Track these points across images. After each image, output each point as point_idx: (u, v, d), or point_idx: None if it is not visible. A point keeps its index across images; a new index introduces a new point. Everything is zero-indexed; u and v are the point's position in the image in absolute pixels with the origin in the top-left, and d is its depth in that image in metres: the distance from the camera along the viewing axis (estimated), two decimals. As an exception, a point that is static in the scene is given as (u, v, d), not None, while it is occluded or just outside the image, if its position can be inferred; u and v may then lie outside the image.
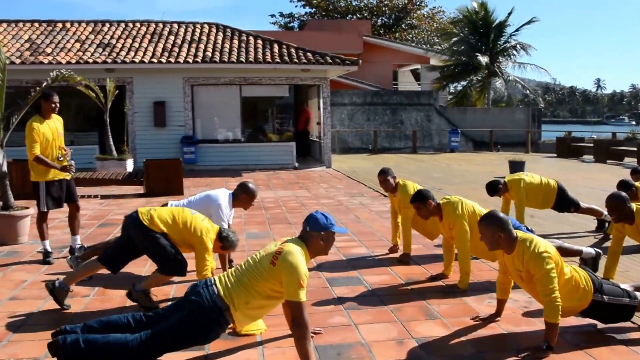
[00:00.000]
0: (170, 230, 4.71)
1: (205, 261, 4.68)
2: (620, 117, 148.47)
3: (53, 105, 6.33)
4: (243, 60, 15.96)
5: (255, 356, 3.88)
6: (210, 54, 16.22)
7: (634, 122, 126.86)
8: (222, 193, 5.83)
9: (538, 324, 4.46)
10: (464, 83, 32.52)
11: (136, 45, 16.73)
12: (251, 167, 16.38)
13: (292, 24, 44.46)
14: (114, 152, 14.17)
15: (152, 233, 4.67)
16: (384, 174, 6.53)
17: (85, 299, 5.03)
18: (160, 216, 4.74)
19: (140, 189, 11.79)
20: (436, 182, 13.67)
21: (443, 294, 5.23)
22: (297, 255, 3.59)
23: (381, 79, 31.32)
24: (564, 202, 7.65)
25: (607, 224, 7.70)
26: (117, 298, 5.02)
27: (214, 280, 3.67)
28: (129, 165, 14.23)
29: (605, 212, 7.57)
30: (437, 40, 38.94)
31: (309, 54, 16.67)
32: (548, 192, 7.59)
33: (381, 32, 40.46)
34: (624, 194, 5.31)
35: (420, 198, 5.40)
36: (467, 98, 32.24)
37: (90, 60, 15.50)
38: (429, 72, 32.81)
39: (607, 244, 6.90)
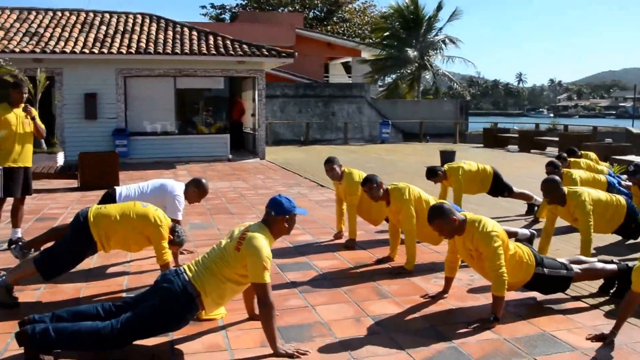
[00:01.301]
0: (121, 226, 4.67)
1: (163, 247, 4.71)
2: (540, 109, 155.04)
3: (21, 95, 6.33)
4: (178, 51, 15.75)
5: (220, 339, 3.98)
6: (144, 45, 15.90)
7: (552, 115, 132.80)
8: (177, 184, 5.87)
9: (482, 299, 4.77)
10: (394, 76, 33.17)
11: (66, 35, 16.17)
12: (185, 159, 16.23)
13: (223, 16, 43.98)
14: (44, 146, 13.72)
15: (83, 232, 4.63)
16: (330, 162, 6.72)
17: (36, 292, 4.95)
18: (109, 214, 4.69)
19: (73, 183, 11.51)
20: (370, 172, 13.97)
21: (391, 276, 5.47)
22: (260, 239, 3.71)
23: (313, 71, 31.55)
24: (498, 187, 8.07)
25: (536, 208, 8.17)
26: (70, 290, 4.98)
27: (184, 268, 3.75)
28: (60, 159, 13.82)
29: (535, 197, 8.08)
30: (369, 34, 39.50)
31: (244, 45, 16.63)
32: (485, 178, 7.99)
33: (313, 24, 40.68)
34: (558, 178, 5.70)
35: (372, 181, 5.62)
36: (397, 90, 32.92)
37: (17, 50, 14.89)
38: (360, 65, 33.31)
39: (537, 226, 7.39)
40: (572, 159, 8.93)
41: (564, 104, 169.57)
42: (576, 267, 4.64)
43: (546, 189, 5.57)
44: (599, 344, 3.83)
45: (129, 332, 3.54)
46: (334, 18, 42.83)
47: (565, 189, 5.61)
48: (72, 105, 15.63)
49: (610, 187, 7.33)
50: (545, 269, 4.48)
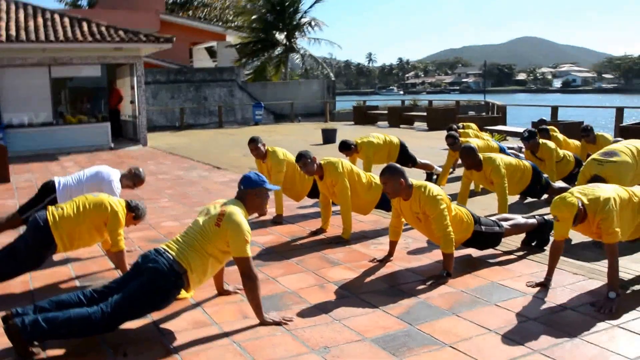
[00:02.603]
0: (82, 222, 4.56)
1: (119, 235, 4.65)
2: (390, 87, 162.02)
3: None
4: (53, 39, 14.72)
5: (201, 315, 4.02)
6: (14, 33, 14.65)
7: (402, 92, 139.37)
8: (112, 170, 5.83)
9: (424, 260, 5.18)
10: (262, 59, 33.18)
11: None
12: (66, 150, 15.33)
13: (80, 2, 41.25)
14: None
15: (44, 236, 4.48)
16: (254, 142, 6.82)
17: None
18: (68, 214, 4.55)
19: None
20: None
21: (332, 245, 5.72)
22: (239, 214, 3.80)
23: (178, 57, 30.71)
24: (404, 157, 8.57)
25: (435, 177, 8.79)
26: (18, 284, 4.73)
27: (164, 248, 3.73)
28: None
29: (435, 167, 8.70)
30: (231, 18, 39.02)
31: (121, 32, 15.88)
32: (392, 149, 8.45)
33: (174, 9, 39.44)
34: (474, 146, 6.24)
35: (306, 157, 5.81)
36: (264, 73, 33.00)
37: None
38: (225, 49, 32.92)
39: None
40: (461, 130, 9.69)
41: (412, 82, 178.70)
42: (505, 224, 5.17)
43: (465, 156, 6.09)
44: (537, 289, 4.35)
45: (120, 314, 3.51)
46: (195, 2, 41.80)
47: (481, 155, 6.16)
48: None
49: (501, 151, 8.12)
50: (482, 227, 4.96)
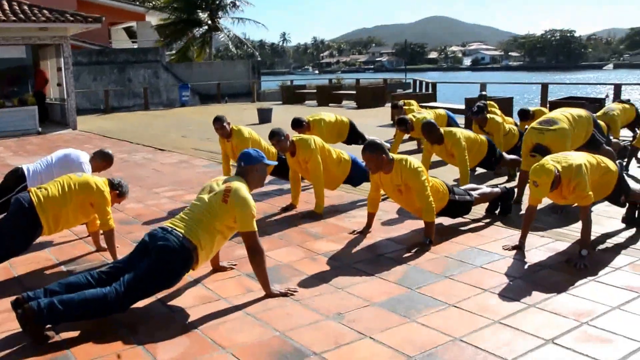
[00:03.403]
0: (68, 203, 4.48)
1: (108, 214, 4.61)
2: (306, 67, 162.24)
3: None
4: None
5: (204, 292, 4.07)
6: None
7: (317, 72, 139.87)
8: (80, 152, 5.71)
9: (400, 230, 5.42)
10: (185, 39, 32.53)
11: None
12: (-10, 135, 14.63)
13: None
14: None
15: (29, 218, 4.38)
16: (220, 121, 6.81)
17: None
18: (53, 194, 4.46)
19: None
20: (201, 134, 14.01)
21: (307, 220, 5.85)
22: (244, 190, 3.87)
23: (97, 37, 29.57)
24: (354, 135, 8.77)
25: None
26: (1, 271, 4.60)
27: (170, 226, 3.74)
28: None
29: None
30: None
31: (45, 11, 15.14)
32: (342, 128, 8.63)
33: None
34: (433, 121, 6.51)
35: (279, 134, 5.89)
36: (188, 54, 32.40)
37: None
38: (145, 29, 32.01)
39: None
40: (406, 108, 10.01)
41: (327, 61, 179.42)
42: (474, 193, 5.48)
43: (427, 131, 6.35)
44: (514, 252, 4.68)
45: (134, 293, 3.52)
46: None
47: (442, 129, 6.44)
48: None
49: (449, 119, 8.57)
50: (455, 196, 5.24)
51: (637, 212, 5.32)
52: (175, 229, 3.71)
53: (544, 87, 13.86)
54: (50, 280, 4.18)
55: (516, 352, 3.06)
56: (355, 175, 6.37)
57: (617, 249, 4.73)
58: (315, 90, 23.58)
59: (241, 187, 3.87)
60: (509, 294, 3.83)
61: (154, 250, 3.62)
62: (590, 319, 3.44)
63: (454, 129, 6.63)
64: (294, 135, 6.16)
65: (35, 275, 4.56)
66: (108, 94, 23.31)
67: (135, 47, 31.00)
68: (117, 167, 9.61)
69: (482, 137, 6.89)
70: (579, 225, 4.63)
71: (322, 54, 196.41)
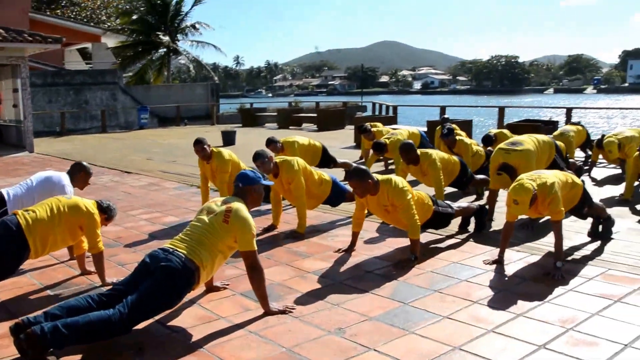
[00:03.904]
0: (57, 226, 4.47)
1: (97, 235, 4.60)
2: (259, 90, 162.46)
3: None
4: None
5: (201, 311, 4.11)
6: None
7: (270, 95, 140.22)
8: (61, 174, 5.62)
9: (383, 248, 5.59)
10: (144, 62, 32.30)
11: None
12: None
13: None
14: None
15: (17, 241, 4.34)
16: (201, 143, 6.89)
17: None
18: (41, 217, 4.43)
19: None
20: (167, 156, 13.98)
21: (291, 240, 5.96)
22: (244, 210, 3.98)
23: (50, 58, 29.07)
24: (326, 159, 8.95)
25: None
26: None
27: (172, 247, 3.79)
28: None
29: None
30: (104, 19, 37.55)
31: (1, 30, 14.94)
32: (315, 151, 8.80)
33: (41, 7, 37.19)
34: (411, 142, 6.75)
35: (263, 156, 6.01)
36: (146, 76, 32.16)
37: None
38: (101, 51, 31.68)
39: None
40: (375, 130, 10.28)
41: (280, 84, 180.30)
42: (454, 205, 5.74)
43: (406, 152, 6.57)
44: (494, 265, 4.90)
45: (137, 314, 3.54)
46: (62, 1, 39.68)
47: (418, 151, 6.68)
48: None
49: (422, 138, 8.88)
50: (439, 208, 5.47)
51: (599, 226, 5.65)
52: (176, 250, 3.77)
53: (501, 110, 14.43)
54: (37, 306, 4.22)
55: (514, 358, 3.25)
56: (335, 196, 6.52)
57: (586, 260, 5.04)
58: (275, 113, 23.74)
59: (241, 207, 3.97)
60: (497, 305, 4.04)
61: (156, 271, 3.66)
62: (574, 325, 3.67)
63: (429, 150, 6.88)
64: (277, 157, 6.29)
65: (19, 300, 4.46)
66: (64, 116, 22.92)
67: (91, 68, 30.64)
68: (87, 191, 9.51)
69: (455, 157, 7.16)
70: (548, 239, 4.93)
71: (275, 77, 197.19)
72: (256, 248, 3.94)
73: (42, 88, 24.08)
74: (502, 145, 6.63)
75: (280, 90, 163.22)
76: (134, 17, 31.15)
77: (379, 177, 5.14)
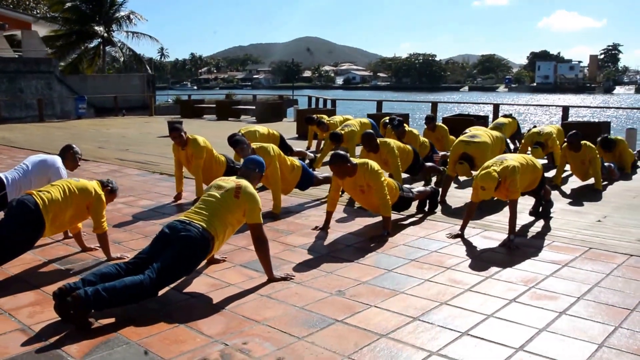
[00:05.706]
0: (69, 206, 4.64)
1: (103, 217, 4.81)
2: (184, 82, 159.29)
3: None
4: None
5: (210, 280, 4.42)
6: None
7: (195, 87, 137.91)
8: (54, 156, 5.76)
9: (355, 226, 6.04)
10: (78, 51, 31.32)
11: None
12: None
13: None
14: None
15: (34, 219, 4.49)
16: (177, 130, 7.11)
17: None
18: (55, 197, 4.58)
19: None
20: (118, 145, 13.90)
21: (268, 220, 6.26)
22: (252, 187, 4.35)
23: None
24: (284, 147, 9.26)
25: (307, 161, 9.68)
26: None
27: (188, 219, 4.10)
28: None
29: (308, 153, 9.62)
30: (34, 5, 36.06)
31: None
32: (274, 140, 9.12)
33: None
34: (372, 132, 7.23)
35: (242, 142, 6.33)
36: (80, 65, 31.22)
37: None
38: (32, 39, 30.49)
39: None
40: (330, 122, 10.77)
41: (205, 77, 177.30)
42: (414, 190, 6.27)
43: (367, 140, 7.05)
44: (457, 239, 5.47)
45: (164, 280, 3.84)
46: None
47: (378, 140, 7.17)
48: None
49: (373, 127, 9.45)
50: (403, 192, 5.98)
51: (540, 206, 6.34)
52: (193, 222, 4.08)
53: (434, 105, 15.24)
54: (54, 278, 4.44)
55: (492, 309, 3.80)
56: (304, 181, 6.92)
57: (534, 234, 5.68)
58: (214, 105, 23.76)
59: (249, 184, 4.33)
60: (468, 270, 4.59)
61: (176, 241, 3.96)
62: (535, 284, 4.27)
63: (387, 140, 7.39)
64: (253, 144, 6.62)
65: (33, 274, 4.63)
66: (0, 104, 22.08)
67: (15, 56, 29.41)
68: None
69: (409, 146, 7.71)
70: (497, 217, 5.56)
71: (200, 70, 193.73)
72: (262, 221, 4.29)
73: (-26, 75, 23.07)
74: (462, 137, 7.27)
75: (206, 83, 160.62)
76: (68, 4, 30.08)
77: (356, 160, 5.59)
